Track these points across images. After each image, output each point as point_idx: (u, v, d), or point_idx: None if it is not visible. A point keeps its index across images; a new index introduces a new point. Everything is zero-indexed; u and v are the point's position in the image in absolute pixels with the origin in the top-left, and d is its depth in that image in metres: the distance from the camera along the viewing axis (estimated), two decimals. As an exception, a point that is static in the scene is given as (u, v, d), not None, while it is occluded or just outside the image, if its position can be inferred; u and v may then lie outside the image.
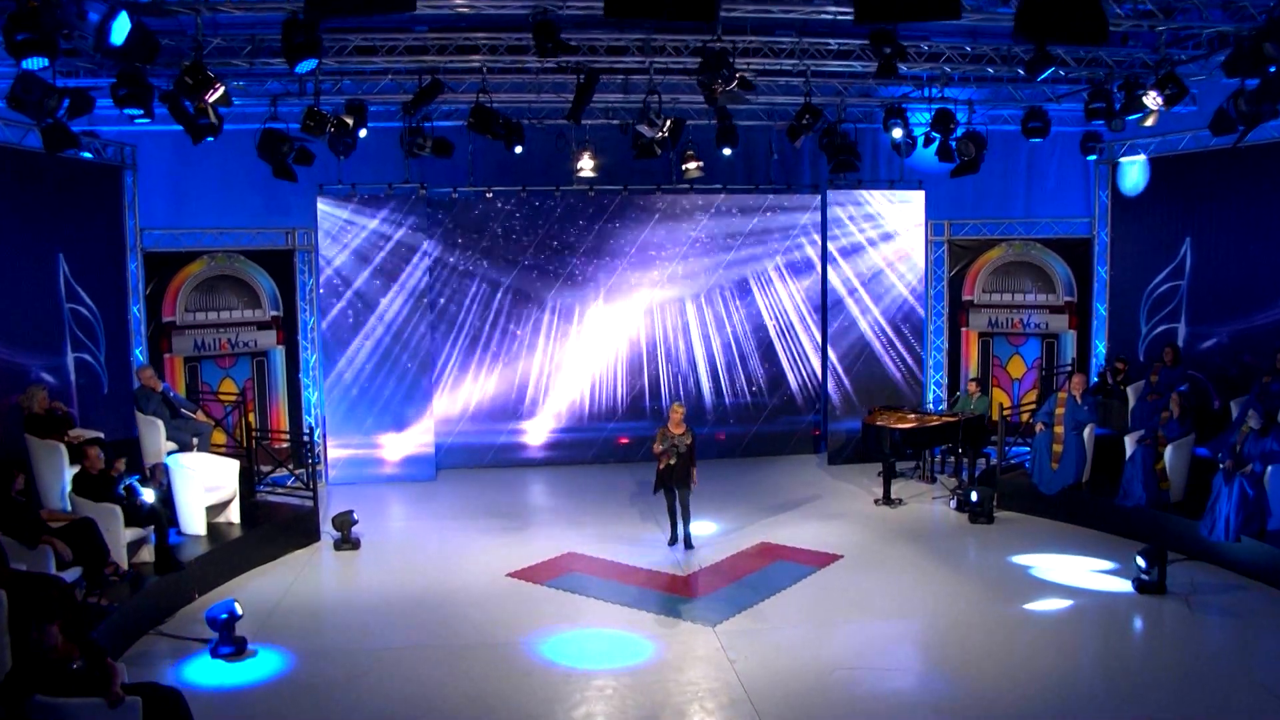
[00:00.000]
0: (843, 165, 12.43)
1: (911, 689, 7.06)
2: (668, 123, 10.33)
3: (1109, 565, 9.38)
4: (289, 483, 12.04)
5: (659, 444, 10.22)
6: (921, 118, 12.71)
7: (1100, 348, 13.23)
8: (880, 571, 9.51)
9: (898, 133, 12.27)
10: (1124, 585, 8.81)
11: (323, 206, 13.08)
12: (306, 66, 7.65)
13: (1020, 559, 9.71)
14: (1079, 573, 9.28)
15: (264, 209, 13.29)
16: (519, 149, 12.20)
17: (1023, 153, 14.50)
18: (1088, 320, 13.38)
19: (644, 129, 10.23)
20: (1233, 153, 11.19)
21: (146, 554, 8.63)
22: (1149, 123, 9.28)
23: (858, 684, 7.05)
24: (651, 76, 10.34)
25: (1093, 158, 13.01)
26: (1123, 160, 12.94)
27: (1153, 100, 8.97)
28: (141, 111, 8.99)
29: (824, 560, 9.80)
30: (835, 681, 7.06)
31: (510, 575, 9.53)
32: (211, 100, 8.17)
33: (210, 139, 10.04)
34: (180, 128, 11.01)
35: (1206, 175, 11.73)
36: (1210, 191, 11.71)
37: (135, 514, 8.36)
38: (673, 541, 10.45)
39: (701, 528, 10.83)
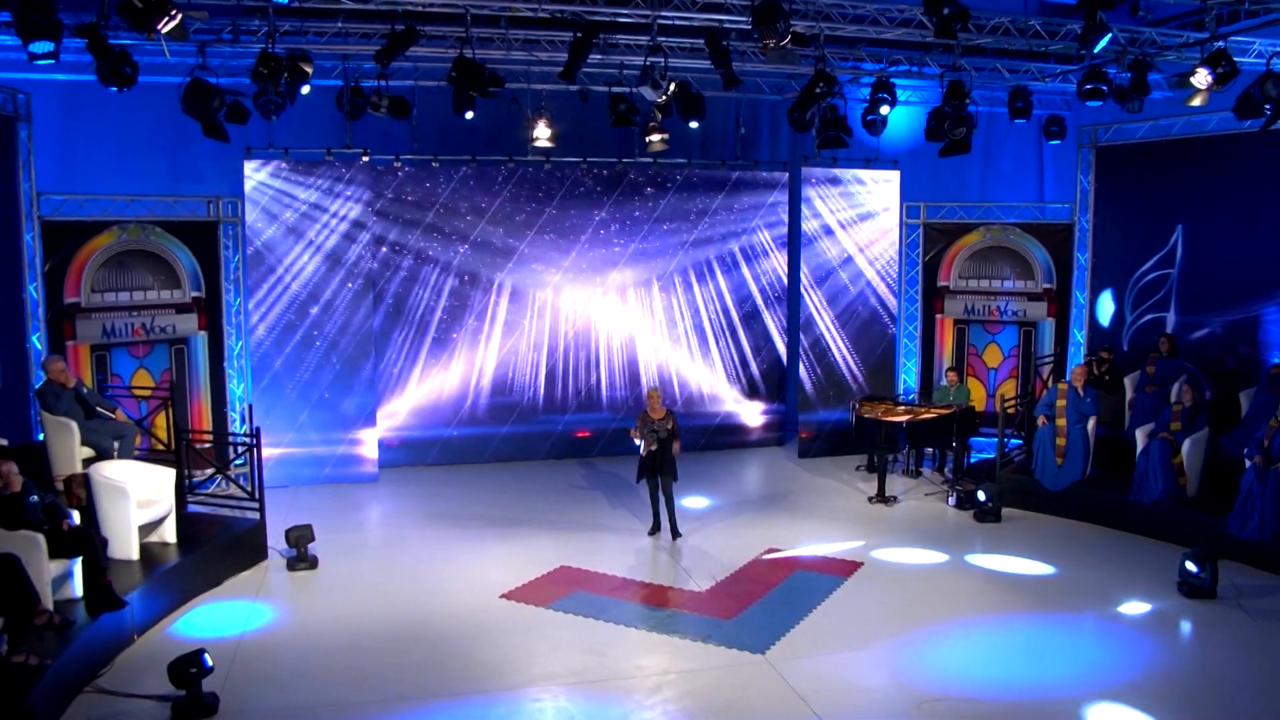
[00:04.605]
0: (831, 141, 11.62)
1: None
2: (671, 85, 9.24)
3: (1145, 567, 8.93)
4: (213, 487, 10.49)
5: (638, 431, 9.64)
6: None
7: (1079, 336, 12.92)
8: (911, 581, 8.78)
9: (885, 109, 11.57)
10: (1169, 588, 8.34)
11: (251, 173, 11.42)
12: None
13: (1049, 561, 9.17)
14: (1118, 575, 8.78)
15: (176, 174, 11.58)
16: (470, 114, 10.93)
17: (1002, 134, 14.15)
18: (1067, 308, 13.02)
19: (646, 91, 9.11)
20: (1230, 139, 11.00)
21: (72, 589, 7.07)
22: (1196, 102, 8.78)
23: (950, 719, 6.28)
24: (655, 36, 9.20)
25: (1055, 142, 12.69)
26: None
27: (1202, 79, 8.45)
28: (52, 47, 7.34)
29: (846, 569, 9.02)
30: (926, 716, 6.24)
31: (504, 597, 8.36)
32: (165, 30, 6.60)
33: (123, 89, 8.42)
34: (76, 75, 9.46)
35: (1200, 162, 11.46)
36: (1204, 178, 11.44)
37: (62, 542, 6.80)
38: (653, 531, 10.00)
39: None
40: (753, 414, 14.11)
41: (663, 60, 9.17)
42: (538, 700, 6.51)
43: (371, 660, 7.11)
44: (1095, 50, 8.02)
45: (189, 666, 6.07)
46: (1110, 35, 7.94)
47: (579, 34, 8.84)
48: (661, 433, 9.58)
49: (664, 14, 9.15)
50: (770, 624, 7.71)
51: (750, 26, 7.39)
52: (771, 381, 14.12)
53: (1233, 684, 6.75)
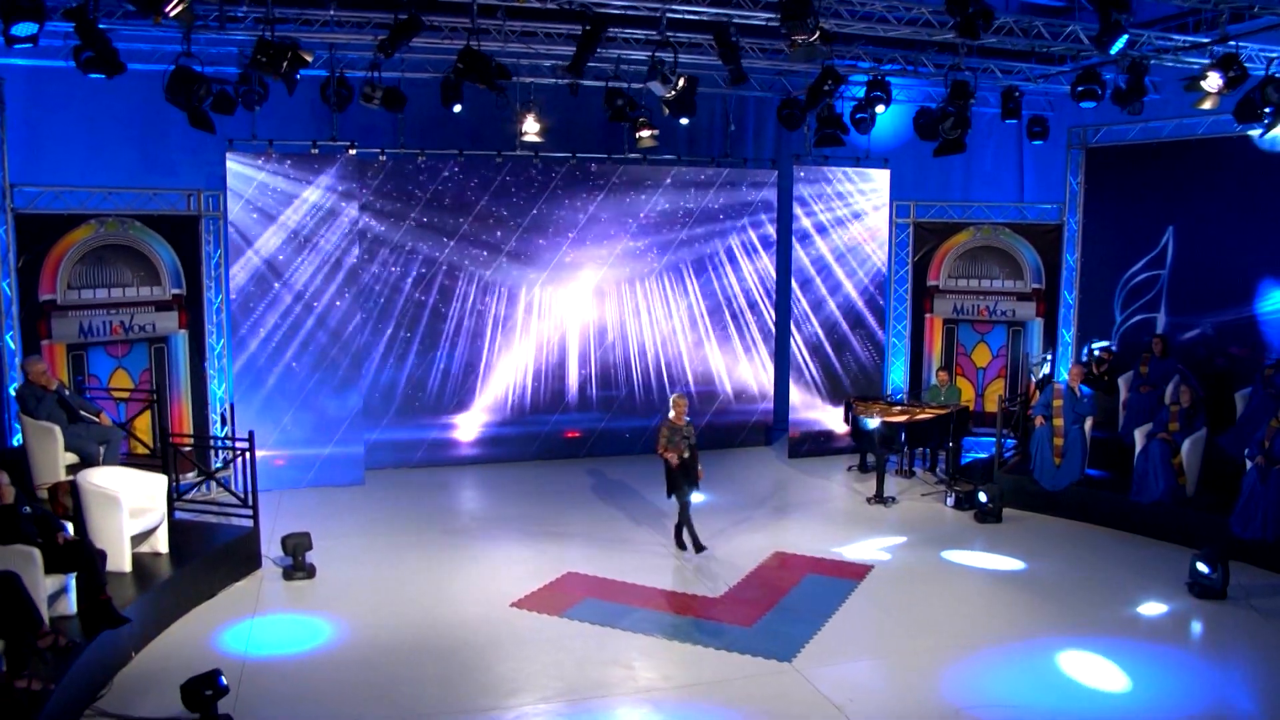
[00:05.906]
0: (828, 139, 11.60)
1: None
2: (681, 80, 9.04)
3: (1152, 567, 8.97)
4: (193, 493, 10.09)
5: (664, 441, 9.22)
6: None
7: (1067, 336, 13.00)
8: (925, 585, 8.70)
9: (881, 108, 11.50)
10: (1179, 589, 8.38)
11: (234, 165, 10.99)
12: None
13: (1055, 562, 9.17)
14: (1127, 575, 8.79)
15: (153, 166, 11.14)
16: (458, 108, 10.67)
17: (984, 134, 14.18)
18: (1055, 308, 13.08)
19: (655, 86, 8.90)
20: (1221, 142, 11.12)
21: (69, 605, 6.68)
22: (1206, 105, 8.80)
23: (989, 730, 6.19)
24: (664, 30, 8.99)
25: (1038, 143, 12.77)
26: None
27: (1212, 83, 8.47)
28: (35, 29, 6.97)
29: (857, 573, 8.92)
30: (966, 728, 6.17)
31: (515, 606, 8.11)
32: (174, 14, 6.23)
33: (111, 76, 8.03)
34: (45, 61, 9.05)
35: (1191, 164, 11.56)
36: (1195, 180, 11.55)
37: (58, 556, 6.41)
38: (683, 546, 9.48)
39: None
40: (741, 413, 13.99)
41: (672, 55, 8.98)
42: (566, 717, 6.29)
43: (383, 675, 6.83)
44: (1112, 51, 7.98)
45: (204, 688, 5.75)
46: (1127, 36, 7.91)
47: (587, 27, 8.60)
48: (692, 438, 9.28)
49: (673, 8, 8.95)
50: (792, 631, 7.57)
51: (779, 23, 7.23)
52: (760, 381, 14.01)
53: (1259, 687, 6.77)
